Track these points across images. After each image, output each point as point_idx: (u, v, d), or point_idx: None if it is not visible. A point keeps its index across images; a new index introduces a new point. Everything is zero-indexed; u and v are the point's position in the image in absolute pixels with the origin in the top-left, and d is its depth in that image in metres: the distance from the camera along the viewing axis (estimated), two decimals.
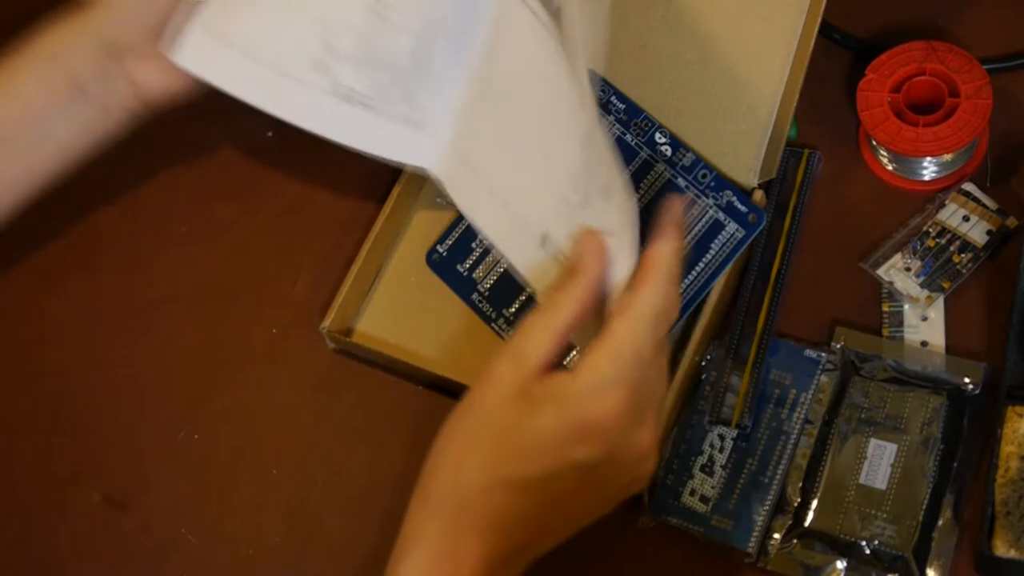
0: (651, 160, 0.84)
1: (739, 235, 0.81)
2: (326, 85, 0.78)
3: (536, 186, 0.75)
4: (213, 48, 0.80)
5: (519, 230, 0.75)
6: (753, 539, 0.76)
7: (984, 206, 0.82)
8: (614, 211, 0.72)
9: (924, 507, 0.75)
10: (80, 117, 0.82)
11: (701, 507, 0.78)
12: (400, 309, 0.86)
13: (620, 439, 0.68)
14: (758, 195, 0.83)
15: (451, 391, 0.83)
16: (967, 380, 0.78)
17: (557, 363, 0.70)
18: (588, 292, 0.70)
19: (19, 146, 0.82)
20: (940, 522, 0.75)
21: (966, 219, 0.82)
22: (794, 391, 0.79)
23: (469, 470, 0.68)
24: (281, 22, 0.79)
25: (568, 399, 0.67)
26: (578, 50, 0.71)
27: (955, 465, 0.76)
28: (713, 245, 0.81)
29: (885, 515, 0.76)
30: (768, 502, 0.77)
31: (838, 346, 0.80)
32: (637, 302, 0.69)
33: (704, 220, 0.82)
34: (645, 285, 0.69)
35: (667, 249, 0.70)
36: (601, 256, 0.71)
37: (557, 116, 0.74)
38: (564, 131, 0.74)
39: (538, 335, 0.69)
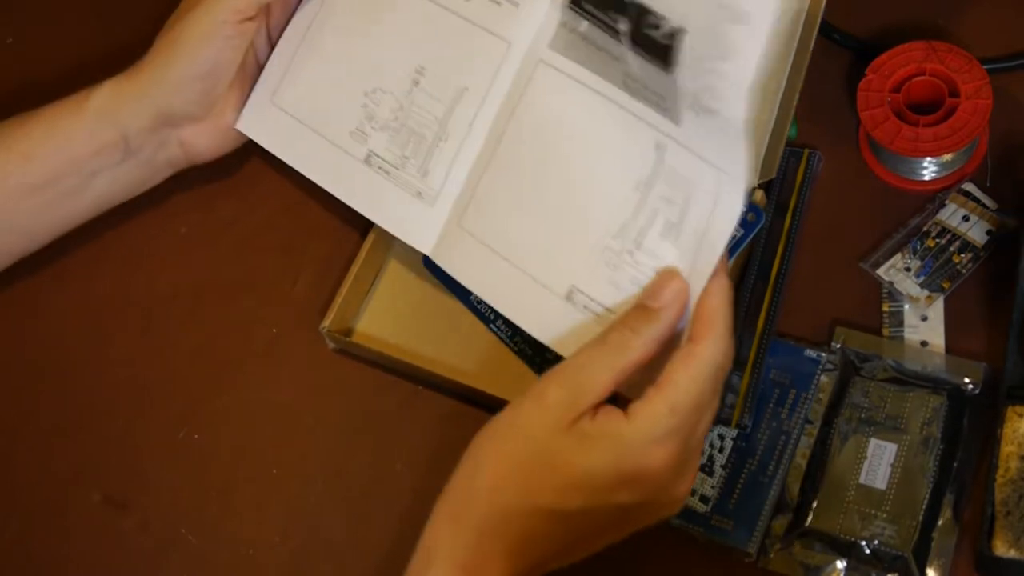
0: None
1: (737, 234, 0.81)
2: (361, 153, 0.81)
3: (561, 241, 0.75)
4: (271, 115, 0.85)
5: (536, 290, 0.76)
6: (753, 539, 0.76)
7: (984, 206, 0.82)
8: (678, 251, 0.72)
9: (924, 507, 0.75)
10: (125, 173, 0.85)
11: (701, 507, 0.78)
12: (400, 309, 0.86)
13: (662, 487, 0.69)
14: (758, 195, 0.83)
15: (451, 391, 0.83)
16: (967, 380, 0.78)
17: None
18: (660, 338, 0.69)
19: (61, 194, 0.84)
20: (940, 522, 0.75)
21: (966, 219, 0.82)
22: (794, 391, 0.79)
23: (507, 492, 0.68)
24: (337, 91, 0.83)
25: (622, 444, 0.67)
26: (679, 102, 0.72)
27: (955, 465, 0.76)
28: None
29: (885, 515, 0.76)
30: (768, 502, 0.77)
31: (838, 346, 0.80)
32: (700, 353, 0.68)
33: None
34: (707, 337, 0.68)
35: (723, 299, 0.70)
36: (682, 302, 0.70)
37: (596, 169, 0.75)
38: (607, 182, 0.74)
39: (600, 371, 0.68)
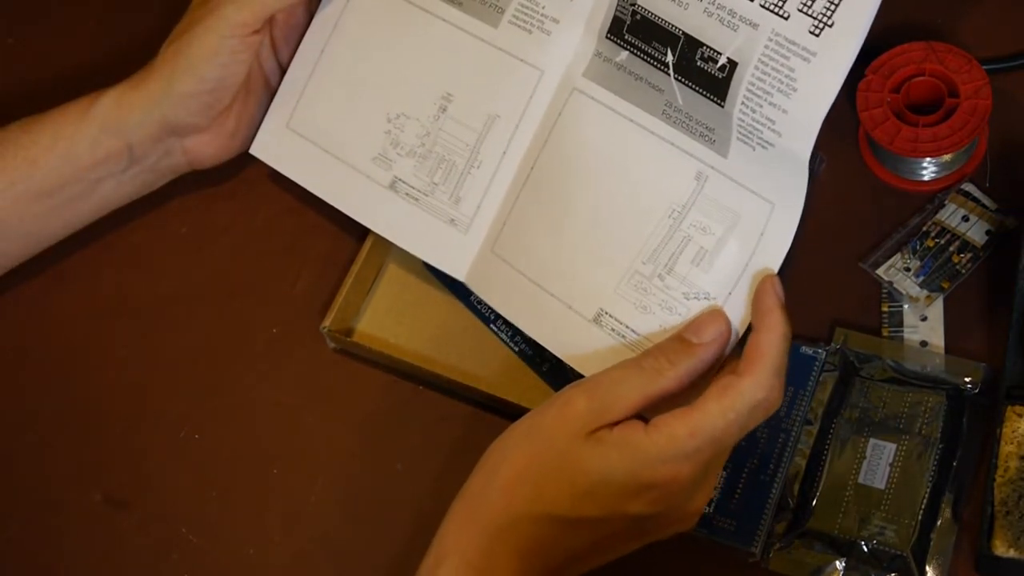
0: None
1: None
2: (385, 179, 0.81)
3: (590, 266, 0.76)
4: (287, 140, 0.85)
5: (564, 313, 0.76)
6: (757, 539, 0.76)
7: (983, 206, 0.82)
8: (709, 278, 0.73)
9: (923, 507, 0.75)
10: (130, 179, 0.86)
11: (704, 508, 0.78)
12: (400, 309, 0.87)
13: (675, 502, 0.69)
14: None
15: (451, 391, 0.83)
16: (967, 380, 0.78)
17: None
18: (693, 374, 0.70)
19: (66, 200, 0.85)
20: (939, 522, 0.75)
21: (965, 219, 0.82)
22: (791, 388, 0.79)
23: (523, 497, 0.68)
24: (357, 116, 0.83)
25: (637, 456, 0.67)
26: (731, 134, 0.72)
27: (954, 465, 0.76)
28: None
29: (884, 515, 0.76)
30: (770, 501, 0.77)
31: (838, 346, 0.80)
32: (738, 390, 0.68)
33: None
34: (751, 375, 0.68)
35: (777, 337, 0.70)
36: (722, 344, 0.71)
37: (629, 196, 0.75)
38: (640, 209, 0.75)
39: (630, 392, 0.69)
